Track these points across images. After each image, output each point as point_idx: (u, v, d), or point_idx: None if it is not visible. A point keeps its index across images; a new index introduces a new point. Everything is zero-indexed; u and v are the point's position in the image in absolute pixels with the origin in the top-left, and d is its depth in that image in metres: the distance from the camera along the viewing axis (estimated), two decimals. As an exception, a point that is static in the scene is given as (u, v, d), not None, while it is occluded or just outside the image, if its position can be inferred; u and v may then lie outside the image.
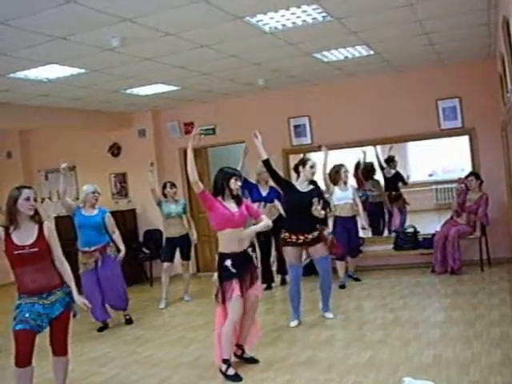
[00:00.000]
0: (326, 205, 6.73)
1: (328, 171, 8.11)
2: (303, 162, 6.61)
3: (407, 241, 9.39)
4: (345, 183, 8.47)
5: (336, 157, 10.15)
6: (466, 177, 8.77)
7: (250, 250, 5.27)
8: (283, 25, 5.95)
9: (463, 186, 8.72)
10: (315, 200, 6.34)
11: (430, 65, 8.99)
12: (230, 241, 5.12)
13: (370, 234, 10.21)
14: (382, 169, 10.31)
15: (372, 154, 10.28)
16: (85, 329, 7.48)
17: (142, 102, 9.75)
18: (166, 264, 8.56)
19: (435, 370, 4.74)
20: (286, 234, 6.47)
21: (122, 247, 7.47)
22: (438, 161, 11.25)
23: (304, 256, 6.90)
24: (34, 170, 12.25)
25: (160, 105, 10.41)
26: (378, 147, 10.29)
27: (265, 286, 8.57)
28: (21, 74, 6.91)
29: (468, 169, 9.21)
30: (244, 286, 5.13)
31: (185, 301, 8.65)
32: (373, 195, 10.32)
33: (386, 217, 10.43)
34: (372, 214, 10.10)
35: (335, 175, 8.38)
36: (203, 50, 6.60)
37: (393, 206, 10.41)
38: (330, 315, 6.79)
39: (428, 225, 9.98)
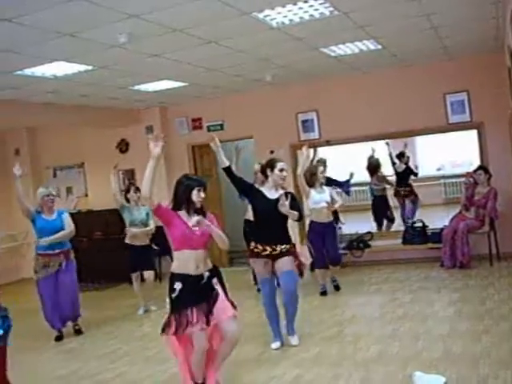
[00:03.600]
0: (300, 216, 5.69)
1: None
2: (271, 165, 5.73)
3: (416, 235, 9.37)
4: (321, 184, 7.72)
5: (345, 151, 10.27)
6: (475, 171, 8.75)
7: (207, 274, 4.43)
8: (290, 20, 5.94)
9: (471, 180, 8.69)
10: (282, 195, 5.55)
11: (438, 59, 8.96)
12: (187, 262, 4.36)
13: (375, 229, 10.30)
14: (394, 164, 10.41)
15: (381, 150, 10.40)
16: (91, 326, 7.52)
17: (149, 98, 9.76)
18: (134, 275, 8.02)
19: (445, 364, 4.74)
20: (252, 244, 5.73)
21: (52, 237, 6.87)
22: (446, 155, 11.22)
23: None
24: (42, 166, 12.31)
25: (167, 101, 10.42)
26: (389, 141, 10.35)
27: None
28: (28, 72, 6.92)
29: (476, 163, 9.18)
30: (204, 315, 4.34)
31: (152, 310, 8.04)
32: (377, 189, 10.63)
33: (398, 211, 10.65)
34: (377, 206, 10.54)
35: (311, 177, 7.60)
36: (210, 45, 6.60)
37: (404, 199, 10.50)
38: (294, 341, 5.82)
39: (437, 219, 9.97)
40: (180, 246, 4.38)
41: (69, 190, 12.07)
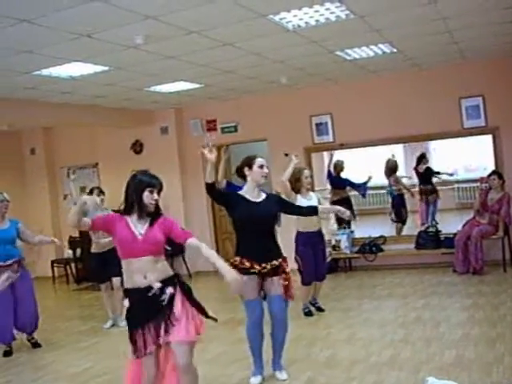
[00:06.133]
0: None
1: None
2: (249, 163, 4.90)
3: (429, 240, 9.34)
4: (308, 190, 6.92)
5: (361, 154, 10.37)
6: (489, 175, 8.69)
7: (157, 285, 3.78)
8: (306, 23, 5.94)
9: (487, 185, 8.62)
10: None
11: (453, 63, 8.92)
12: (133, 273, 3.80)
13: (393, 232, 10.27)
14: (417, 166, 10.60)
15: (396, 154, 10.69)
16: (103, 324, 7.58)
17: (164, 99, 9.80)
18: (103, 286, 7.56)
19: (457, 370, 4.72)
20: (237, 259, 4.81)
21: (51, 239, 6.85)
22: (460, 160, 11.20)
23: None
24: (57, 166, 12.40)
25: (183, 102, 10.45)
26: (401, 146, 10.45)
27: None
28: (46, 72, 6.97)
29: (490, 168, 9.13)
30: (154, 335, 3.79)
31: (121, 326, 7.10)
32: (394, 189, 10.67)
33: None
34: (395, 205, 10.61)
35: (296, 183, 6.78)
36: (226, 47, 6.62)
37: (428, 198, 10.57)
38: (283, 376, 5.01)
39: (450, 224, 9.95)
40: (124, 255, 3.83)
41: (83, 190, 12.12)
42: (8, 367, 6.12)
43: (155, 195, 3.83)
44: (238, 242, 4.95)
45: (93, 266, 7.67)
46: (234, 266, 4.65)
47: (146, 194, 3.80)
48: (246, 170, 4.90)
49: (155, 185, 3.85)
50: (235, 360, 5.54)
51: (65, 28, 5.30)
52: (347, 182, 10.34)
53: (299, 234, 6.97)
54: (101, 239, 7.23)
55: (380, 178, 10.73)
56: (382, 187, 10.95)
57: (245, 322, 4.98)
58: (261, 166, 4.86)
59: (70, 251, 11.62)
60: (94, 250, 7.49)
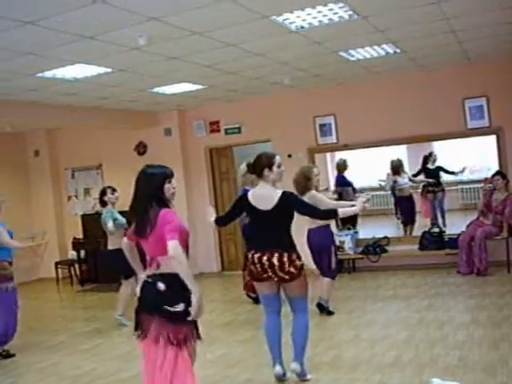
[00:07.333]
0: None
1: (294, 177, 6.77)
2: (269, 163, 4.72)
3: (432, 241, 9.32)
4: (316, 188, 6.79)
5: (364, 155, 10.40)
6: (493, 176, 8.67)
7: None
8: (309, 23, 5.94)
9: (491, 186, 8.59)
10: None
11: (457, 63, 8.91)
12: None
13: (397, 233, 10.24)
14: (426, 169, 10.61)
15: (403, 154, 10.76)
16: (108, 326, 7.57)
17: (168, 100, 9.80)
18: (129, 281, 7.22)
19: (461, 371, 4.71)
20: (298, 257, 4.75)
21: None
22: (464, 160, 11.16)
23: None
24: (61, 168, 12.40)
25: (186, 104, 10.46)
26: (404, 147, 10.43)
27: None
28: (49, 74, 6.99)
29: (494, 168, 9.11)
30: None
31: (123, 325, 7.27)
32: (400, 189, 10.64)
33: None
34: (401, 205, 10.67)
35: (307, 182, 6.63)
36: (229, 48, 6.62)
37: (427, 196, 10.60)
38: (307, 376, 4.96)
39: (454, 225, 9.93)
40: (185, 245, 3.69)
41: (86, 192, 12.15)
42: (12, 368, 6.12)
43: (174, 182, 3.81)
44: (290, 238, 4.79)
45: (118, 261, 7.04)
46: (302, 267, 4.71)
47: (166, 186, 3.72)
48: (266, 171, 4.72)
49: (169, 174, 3.81)
50: (238, 361, 5.54)
51: (68, 30, 5.31)
52: (348, 184, 10.32)
53: (327, 228, 6.91)
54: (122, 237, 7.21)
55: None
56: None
57: (305, 316, 4.94)
58: (279, 165, 4.75)
59: (74, 253, 11.63)
60: (112, 246, 7.25)
